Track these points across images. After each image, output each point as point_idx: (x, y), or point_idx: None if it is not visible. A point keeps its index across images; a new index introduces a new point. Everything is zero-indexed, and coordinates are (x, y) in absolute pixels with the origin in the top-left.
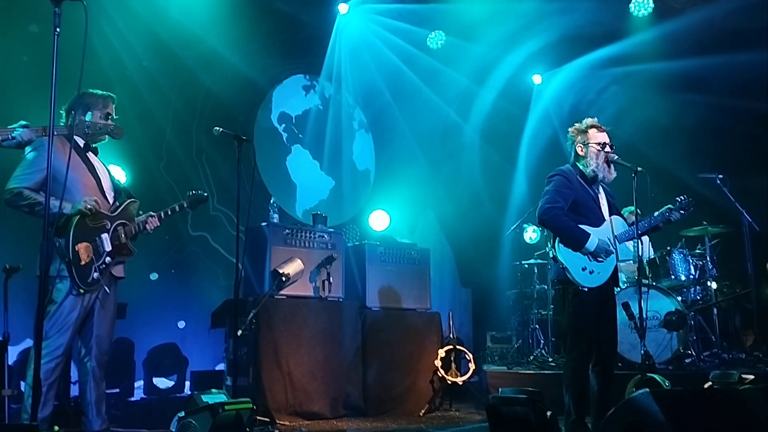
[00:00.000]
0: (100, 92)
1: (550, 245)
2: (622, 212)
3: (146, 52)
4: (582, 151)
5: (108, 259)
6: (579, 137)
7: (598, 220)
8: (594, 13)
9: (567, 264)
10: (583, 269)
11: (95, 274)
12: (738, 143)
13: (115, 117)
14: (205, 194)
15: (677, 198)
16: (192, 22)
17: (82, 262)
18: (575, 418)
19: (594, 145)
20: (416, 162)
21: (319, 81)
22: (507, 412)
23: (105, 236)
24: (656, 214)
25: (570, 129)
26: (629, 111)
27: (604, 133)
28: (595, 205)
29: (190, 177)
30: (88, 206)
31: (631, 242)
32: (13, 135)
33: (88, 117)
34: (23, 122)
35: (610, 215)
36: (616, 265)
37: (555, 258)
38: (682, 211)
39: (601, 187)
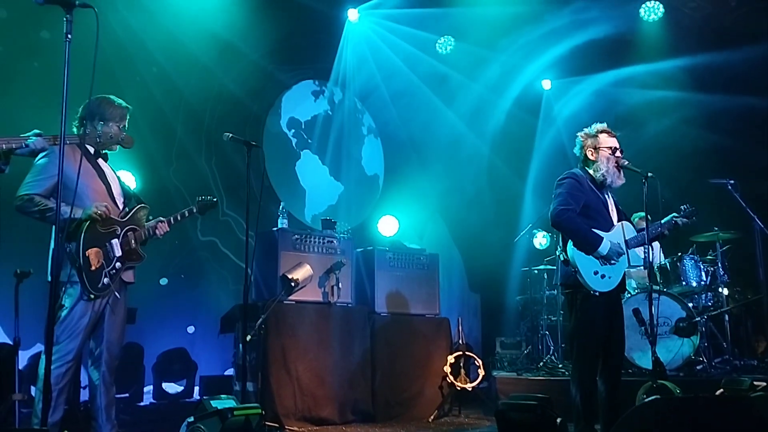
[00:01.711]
0: (117, 102)
1: (560, 248)
2: (632, 218)
3: (156, 57)
4: (592, 155)
5: (118, 264)
6: (589, 141)
7: (608, 224)
8: (606, 21)
9: (579, 267)
10: (595, 273)
11: (105, 280)
12: (749, 148)
13: (126, 127)
14: (215, 199)
15: (681, 207)
16: (201, 30)
17: (92, 268)
18: (584, 425)
19: (605, 150)
20: (425, 167)
21: (328, 86)
22: (516, 419)
23: (115, 242)
24: (662, 221)
25: (579, 133)
26: (640, 123)
27: (614, 139)
28: (605, 209)
29: (199, 182)
30: (98, 212)
31: (641, 248)
32: (27, 143)
33: (99, 127)
34: (36, 131)
35: (618, 220)
36: (625, 270)
37: (566, 261)
38: (686, 220)
39: (609, 191)
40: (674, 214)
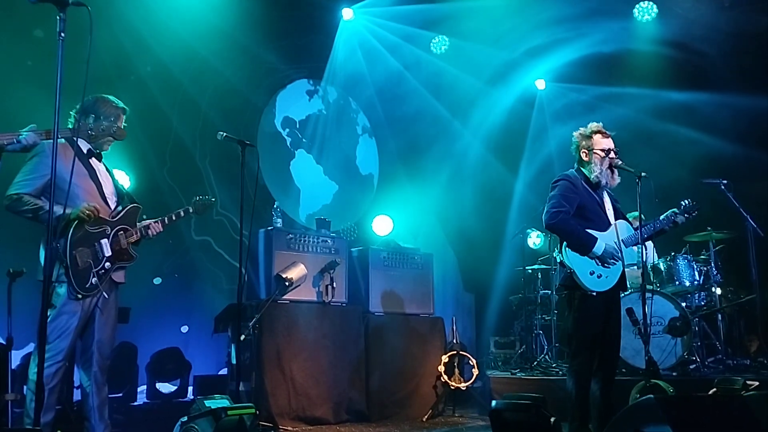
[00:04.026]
0: (115, 102)
1: (557, 250)
2: (627, 217)
3: (151, 55)
4: (586, 156)
5: (108, 264)
6: (583, 142)
7: (603, 225)
8: (602, 30)
9: (575, 268)
10: (591, 273)
11: (94, 279)
12: (742, 148)
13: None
14: (213, 199)
15: (682, 201)
16: (194, 30)
17: (80, 267)
18: (578, 424)
19: (598, 151)
20: (419, 166)
21: (322, 86)
22: (510, 418)
23: (105, 241)
24: (662, 217)
25: (574, 134)
26: (636, 122)
27: (609, 139)
28: (600, 209)
29: (193, 181)
30: (86, 211)
31: (636, 247)
32: (18, 139)
33: (91, 120)
34: (32, 125)
35: (615, 219)
36: (623, 269)
37: (562, 263)
38: (687, 215)
39: (605, 191)
40: (674, 209)
